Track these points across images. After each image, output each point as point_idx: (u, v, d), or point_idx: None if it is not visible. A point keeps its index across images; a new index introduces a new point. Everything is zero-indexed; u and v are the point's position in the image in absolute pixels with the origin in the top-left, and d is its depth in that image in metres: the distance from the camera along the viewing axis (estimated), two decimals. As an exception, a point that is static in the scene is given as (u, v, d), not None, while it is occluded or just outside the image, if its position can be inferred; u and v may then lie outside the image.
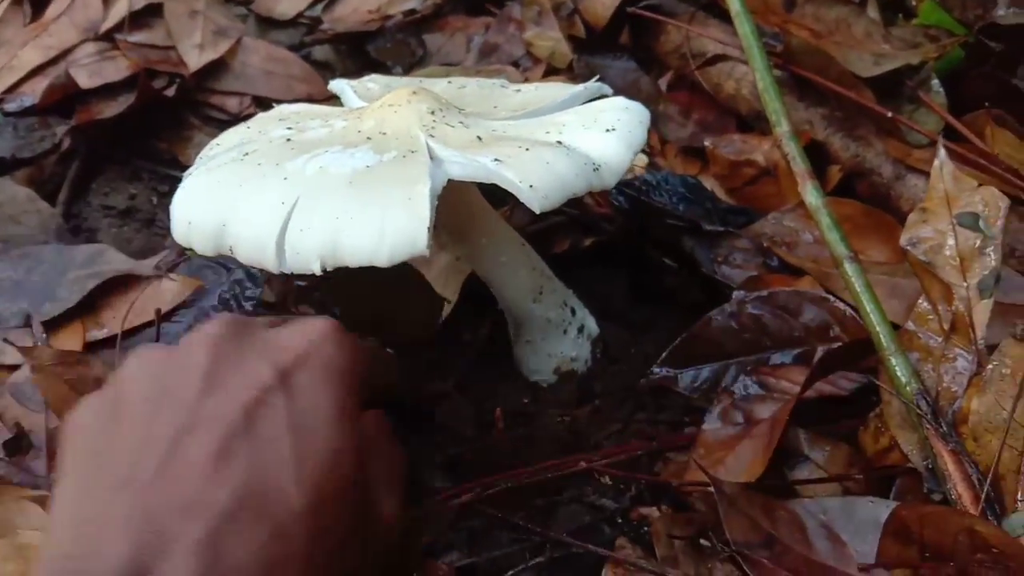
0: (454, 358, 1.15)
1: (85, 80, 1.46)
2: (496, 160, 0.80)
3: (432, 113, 0.91)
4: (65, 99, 1.44)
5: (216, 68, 1.55)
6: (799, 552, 0.81)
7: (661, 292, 1.22)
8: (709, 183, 1.35)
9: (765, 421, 0.93)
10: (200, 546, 0.59)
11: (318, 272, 0.78)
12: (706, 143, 1.36)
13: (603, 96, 1.03)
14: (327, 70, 1.71)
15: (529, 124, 0.93)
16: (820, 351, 1.00)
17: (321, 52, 1.74)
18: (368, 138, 0.88)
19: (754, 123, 1.41)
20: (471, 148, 0.84)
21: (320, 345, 0.75)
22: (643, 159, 1.44)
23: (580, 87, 1.02)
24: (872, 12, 1.37)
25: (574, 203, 1.28)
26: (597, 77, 1.03)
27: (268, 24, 1.78)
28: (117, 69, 1.49)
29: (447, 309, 1.16)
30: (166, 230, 1.28)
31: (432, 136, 0.87)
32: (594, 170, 0.83)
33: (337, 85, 1.12)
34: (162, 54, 1.54)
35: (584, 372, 1.12)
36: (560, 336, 1.10)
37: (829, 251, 0.98)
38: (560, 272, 1.10)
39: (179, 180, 1.39)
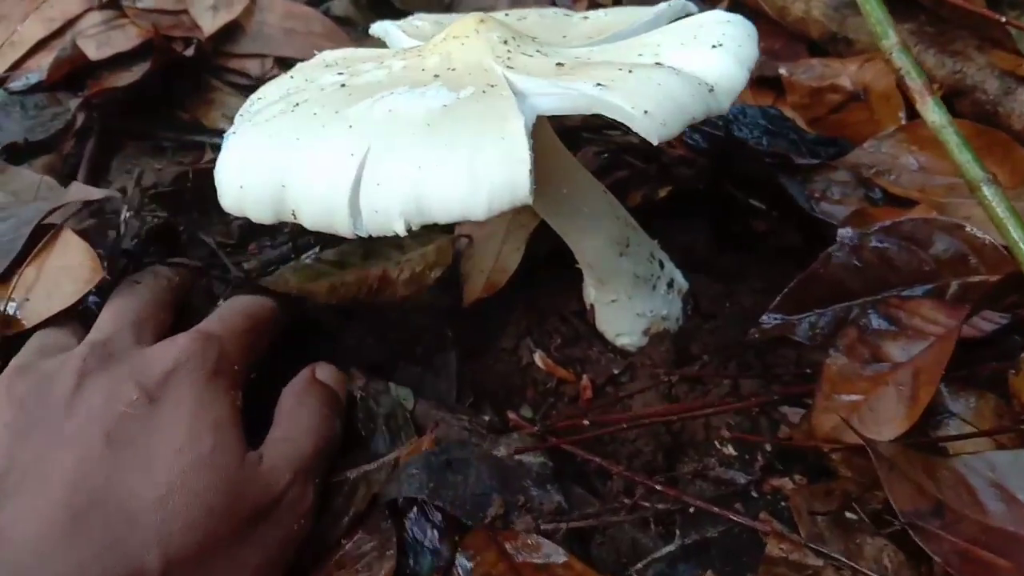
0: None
1: (93, 51, 1.34)
2: (599, 85, 0.68)
3: (505, 43, 0.79)
4: (73, 73, 1.32)
5: (232, 30, 1.43)
6: (973, 518, 0.70)
7: (749, 237, 1.11)
8: (788, 114, 1.23)
9: (904, 367, 0.82)
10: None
11: (402, 232, 0.66)
12: (781, 71, 1.23)
13: (688, 15, 0.91)
14: (348, 26, 1.58)
15: (616, 48, 0.81)
16: (955, 285, 0.88)
17: (340, 7, 1.60)
18: (436, 76, 0.76)
19: (828, 46, 1.29)
20: (560, 76, 0.72)
21: (186, 360, 0.79)
22: (709, 94, 1.31)
23: (662, 5, 0.89)
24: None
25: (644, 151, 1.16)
26: (673, 2, 0.91)
27: (281, -18, 1.65)
28: (127, 38, 1.37)
29: (512, 267, 1.05)
30: (199, 205, 1.16)
31: (510, 67, 0.75)
32: (709, 91, 0.71)
33: (380, 28, 1.00)
34: (173, 19, 1.42)
35: (676, 331, 1.01)
36: (649, 293, 0.98)
37: (962, 175, 0.86)
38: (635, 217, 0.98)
39: (204, 149, 1.30)
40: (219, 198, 0.77)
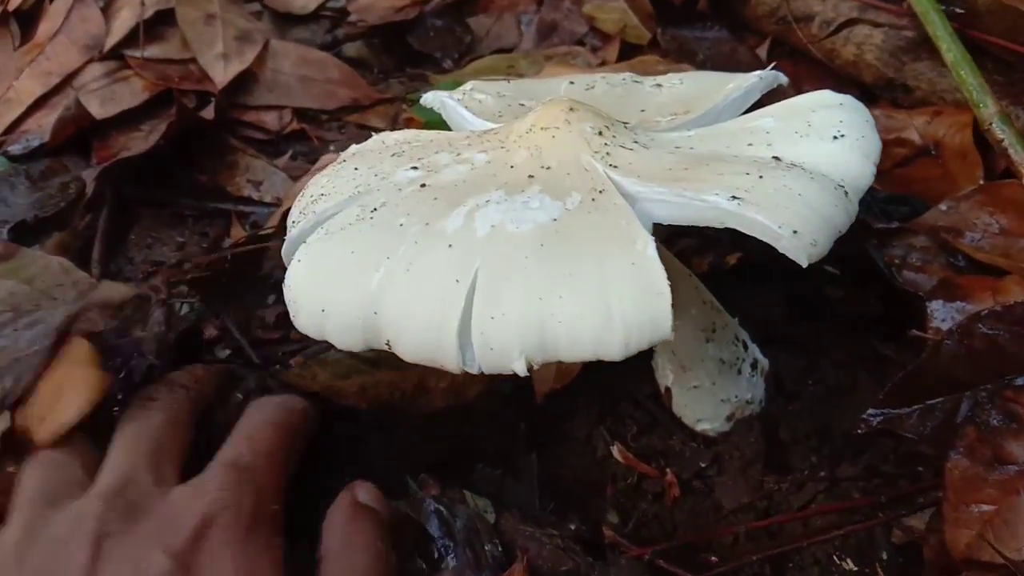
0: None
1: (98, 109, 1.24)
2: (734, 199, 0.61)
3: (600, 134, 0.72)
4: (79, 134, 1.22)
5: (244, 80, 1.34)
6: None
7: (824, 304, 1.04)
8: (848, 168, 1.17)
9: (1035, 471, 0.76)
10: None
11: (522, 372, 0.59)
12: (840, 121, 1.17)
13: (780, 86, 0.84)
14: (362, 68, 1.49)
15: (719, 135, 0.74)
16: (1069, 374, 0.83)
17: (353, 48, 1.52)
18: (531, 176, 0.69)
19: (883, 92, 1.23)
20: (679, 179, 0.65)
21: (219, 512, 0.70)
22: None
23: (753, 77, 0.82)
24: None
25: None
26: (773, 65, 0.84)
27: (286, 21, 1.57)
28: (133, 92, 1.27)
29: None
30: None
31: (613, 166, 0.68)
32: (845, 194, 0.65)
33: (434, 98, 0.92)
34: (181, 69, 1.32)
35: (760, 413, 0.95)
36: (734, 377, 0.92)
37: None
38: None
39: (230, 218, 1.21)
40: (292, 317, 0.69)
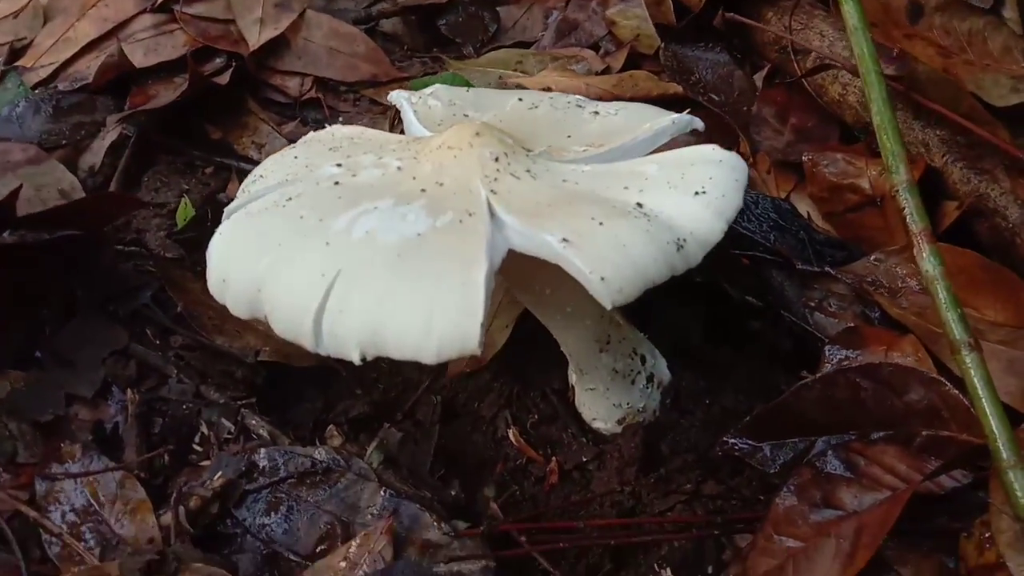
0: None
1: (140, 58, 1.39)
2: (564, 241, 0.69)
3: (496, 160, 0.81)
4: (120, 78, 1.37)
5: (277, 45, 1.46)
6: None
7: (744, 333, 1.11)
8: (804, 203, 1.22)
9: (849, 521, 0.83)
10: None
11: (357, 361, 0.69)
12: (804, 157, 1.21)
13: (694, 130, 0.91)
14: (396, 43, 1.60)
15: (606, 174, 0.82)
16: (923, 436, 0.88)
17: (390, 24, 1.62)
18: (423, 190, 0.79)
19: (860, 135, 1.26)
20: (537, 215, 0.74)
21: None
22: (731, 171, 1.30)
23: (667, 120, 0.89)
24: (1009, 12, 1.19)
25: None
26: (688, 110, 0.90)
27: (334, -12, 1.67)
28: (174, 46, 1.41)
29: (498, 344, 1.08)
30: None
31: (494, 192, 0.77)
32: (678, 249, 0.72)
33: (396, 98, 1.01)
34: (222, 28, 1.45)
35: (651, 423, 1.03)
36: (627, 387, 1.00)
37: (944, 331, 0.85)
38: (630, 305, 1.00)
39: (231, 173, 1.34)
40: (207, 278, 0.81)
